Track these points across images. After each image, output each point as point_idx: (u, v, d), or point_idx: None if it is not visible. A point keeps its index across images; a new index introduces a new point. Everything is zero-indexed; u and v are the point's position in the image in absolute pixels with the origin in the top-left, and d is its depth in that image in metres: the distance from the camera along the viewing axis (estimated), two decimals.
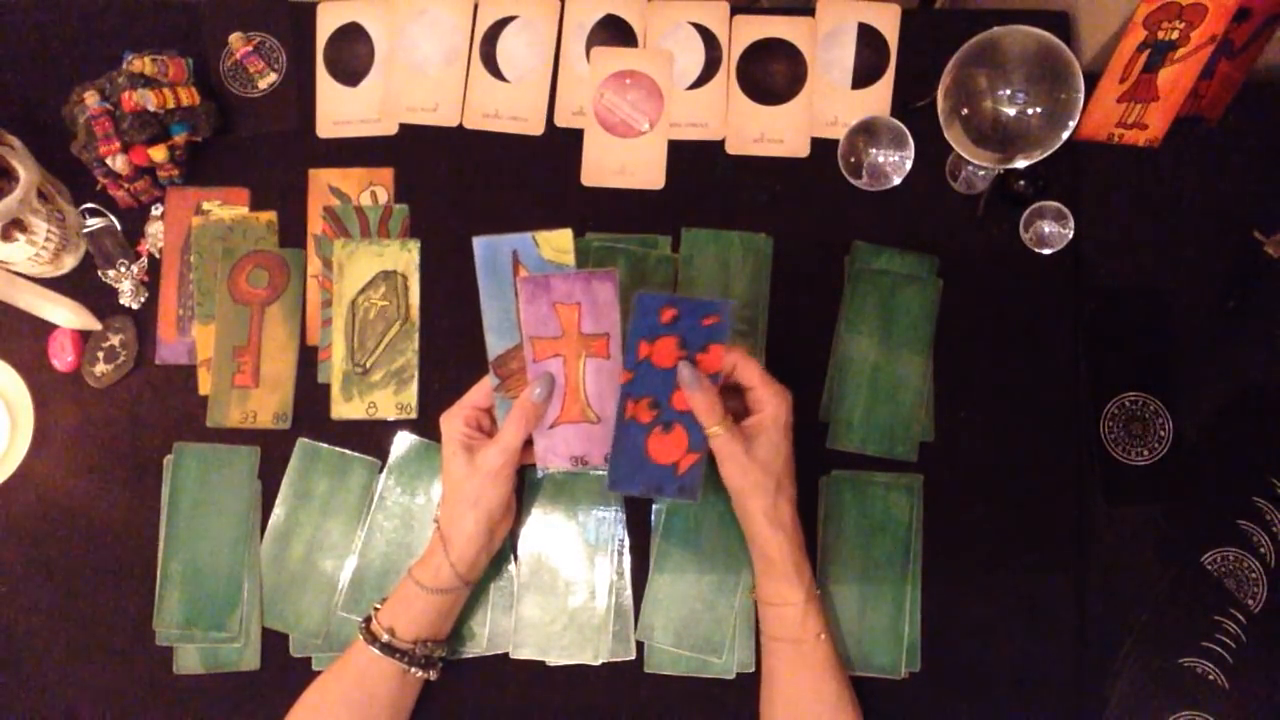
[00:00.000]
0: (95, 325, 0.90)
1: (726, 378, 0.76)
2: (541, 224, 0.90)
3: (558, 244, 0.76)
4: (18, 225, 0.84)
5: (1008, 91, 0.77)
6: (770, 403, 0.75)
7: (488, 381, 0.78)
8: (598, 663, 0.84)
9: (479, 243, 0.76)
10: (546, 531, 0.86)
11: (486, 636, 0.85)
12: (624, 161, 0.92)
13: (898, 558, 0.85)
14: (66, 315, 0.90)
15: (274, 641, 0.86)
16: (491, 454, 0.76)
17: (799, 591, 0.76)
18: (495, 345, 0.77)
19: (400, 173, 0.93)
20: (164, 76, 0.87)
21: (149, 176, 0.90)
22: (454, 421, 0.78)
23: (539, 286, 0.74)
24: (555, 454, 0.78)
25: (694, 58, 0.94)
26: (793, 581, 0.76)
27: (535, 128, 0.93)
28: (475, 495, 0.77)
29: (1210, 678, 0.83)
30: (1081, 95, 0.75)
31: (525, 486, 0.86)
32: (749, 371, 0.75)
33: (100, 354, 0.90)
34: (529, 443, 0.77)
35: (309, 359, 0.90)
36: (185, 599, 0.86)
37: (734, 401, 0.77)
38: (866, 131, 0.91)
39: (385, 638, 0.77)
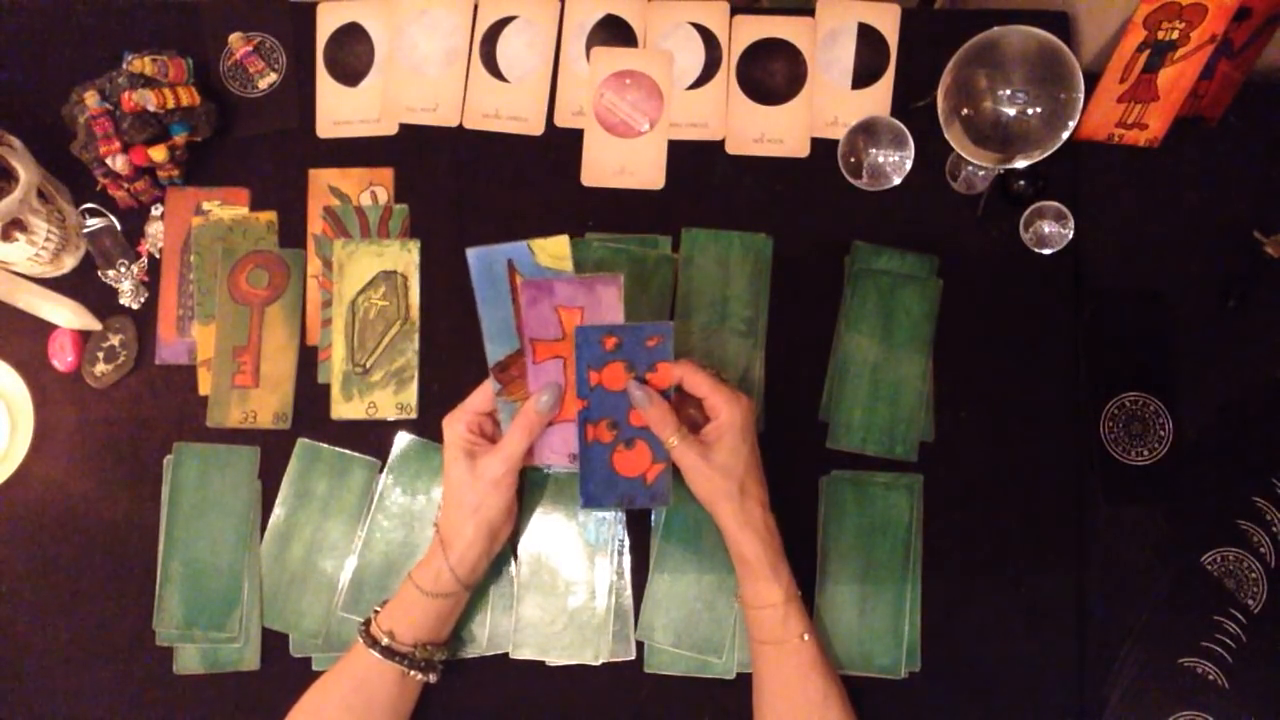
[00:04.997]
0: (95, 325, 0.90)
1: (680, 391, 0.77)
2: (542, 224, 0.91)
3: (554, 250, 0.76)
4: (18, 225, 0.84)
5: (1008, 91, 0.77)
6: (724, 409, 0.75)
7: (489, 386, 0.78)
8: (598, 663, 0.84)
9: (472, 254, 0.76)
10: (546, 532, 0.86)
11: (486, 637, 0.85)
12: (624, 161, 0.92)
13: (898, 558, 0.85)
14: (66, 315, 0.90)
15: (274, 641, 0.86)
16: (494, 462, 0.76)
17: (778, 592, 0.76)
18: (495, 352, 0.78)
19: (400, 173, 0.93)
20: (164, 76, 0.87)
21: (149, 176, 0.90)
22: (456, 426, 0.78)
23: (541, 290, 0.75)
24: (553, 451, 0.78)
25: (694, 58, 0.94)
26: (770, 583, 0.76)
27: (535, 128, 0.93)
28: (476, 502, 0.77)
29: (1210, 678, 0.83)
30: (1081, 95, 0.75)
31: (525, 487, 0.86)
32: (698, 382, 0.76)
33: (100, 354, 0.90)
34: (530, 449, 0.78)
35: (309, 359, 0.90)
36: (185, 599, 0.86)
37: (696, 411, 0.78)
38: (866, 131, 0.91)
39: (385, 641, 0.77)
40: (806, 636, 0.76)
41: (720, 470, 0.75)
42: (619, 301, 0.75)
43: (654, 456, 0.76)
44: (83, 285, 0.91)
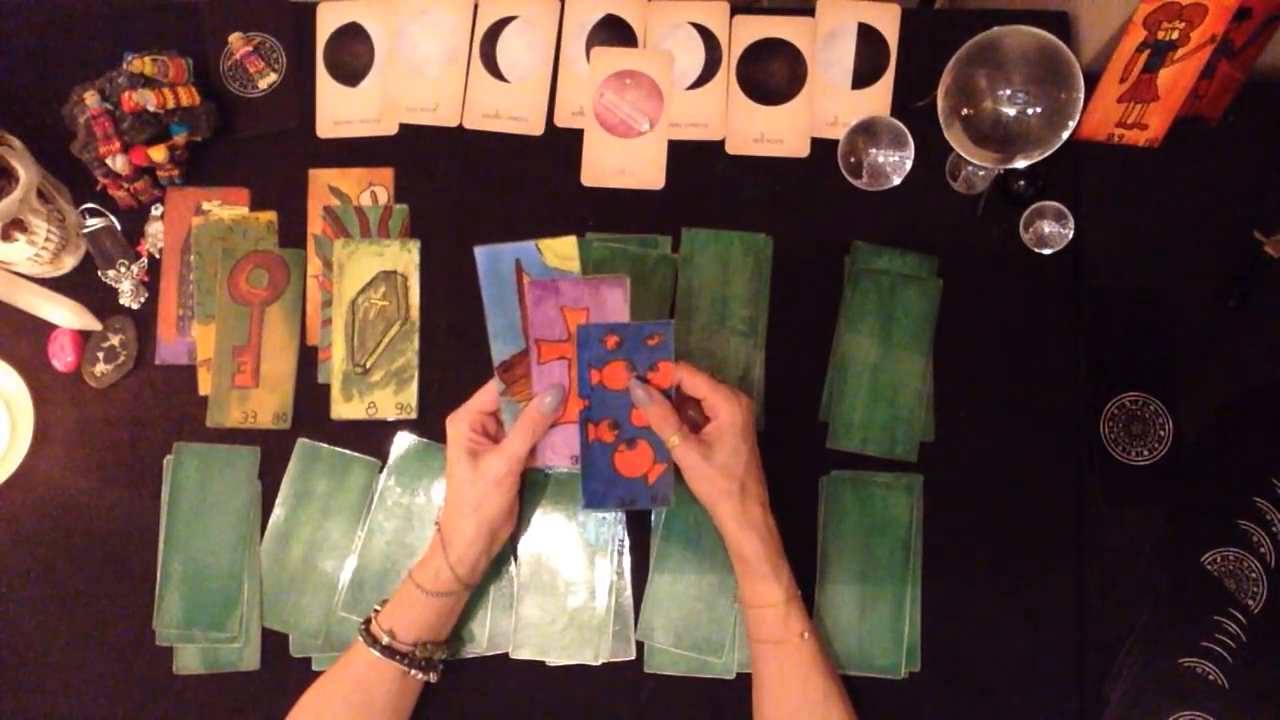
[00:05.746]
0: (95, 325, 0.90)
1: (680, 391, 0.77)
2: (542, 224, 0.91)
3: (562, 251, 0.76)
4: (18, 225, 0.84)
5: (1008, 91, 0.76)
6: (724, 408, 0.75)
7: (493, 385, 0.78)
8: (598, 663, 0.84)
9: (480, 252, 0.76)
10: (546, 532, 0.86)
11: (486, 637, 0.85)
12: (624, 161, 0.92)
13: (898, 558, 0.85)
14: (66, 315, 0.90)
15: (274, 641, 0.86)
16: (496, 462, 0.76)
17: (778, 592, 0.76)
18: (500, 351, 0.78)
19: (400, 173, 0.93)
20: (164, 76, 0.87)
21: (149, 176, 0.90)
22: (459, 425, 0.78)
23: (547, 290, 0.75)
24: (555, 452, 0.78)
25: (694, 58, 0.94)
26: (771, 582, 0.76)
27: (535, 128, 0.93)
28: (478, 501, 0.77)
29: (1210, 678, 0.83)
30: (1081, 95, 0.75)
31: (526, 487, 0.85)
32: (697, 382, 0.76)
33: (100, 354, 0.90)
34: (533, 449, 0.78)
35: (309, 359, 0.90)
36: (185, 599, 0.86)
37: (695, 411, 0.78)
38: (866, 131, 0.91)
39: (385, 640, 0.77)
40: (806, 636, 0.76)
41: (720, 470, 0.75)
42: (624, 304, 0.75)
43: (655, 457, 0.76)
44: (83, 285, 0.91)
